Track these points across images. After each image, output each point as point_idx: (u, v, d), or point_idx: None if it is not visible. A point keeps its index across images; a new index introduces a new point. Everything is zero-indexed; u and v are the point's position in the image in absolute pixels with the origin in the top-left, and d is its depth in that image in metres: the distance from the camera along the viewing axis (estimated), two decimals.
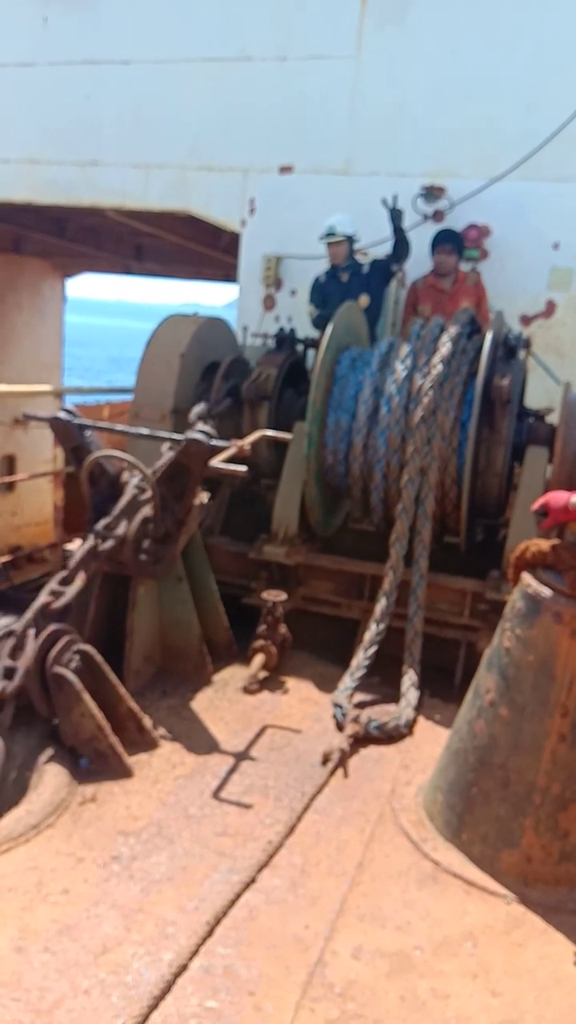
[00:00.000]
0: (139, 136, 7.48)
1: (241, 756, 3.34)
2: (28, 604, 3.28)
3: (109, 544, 3.52)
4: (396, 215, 5.93)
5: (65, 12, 7.59)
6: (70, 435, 3.89)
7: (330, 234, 6.06)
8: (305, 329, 6.17)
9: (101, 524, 3.60)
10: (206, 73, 7.16)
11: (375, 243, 6.43)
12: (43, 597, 3.25)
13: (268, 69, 6.97)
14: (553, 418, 4.65)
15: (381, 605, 4.18)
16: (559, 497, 2.69)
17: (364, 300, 6.06)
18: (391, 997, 2.17)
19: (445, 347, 4.38)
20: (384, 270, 6.16)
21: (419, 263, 6.50)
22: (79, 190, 7.79)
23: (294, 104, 6.92)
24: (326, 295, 6.10)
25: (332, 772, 3.22)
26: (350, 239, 6.11)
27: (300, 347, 5.48)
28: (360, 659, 4.02)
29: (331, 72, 6.78)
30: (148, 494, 3.71)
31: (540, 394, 5.61)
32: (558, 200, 6.29)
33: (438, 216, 6.57)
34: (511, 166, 6.26)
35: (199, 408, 4.56)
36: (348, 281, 6.13)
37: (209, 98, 7.18)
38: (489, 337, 4.38)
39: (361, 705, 3.81)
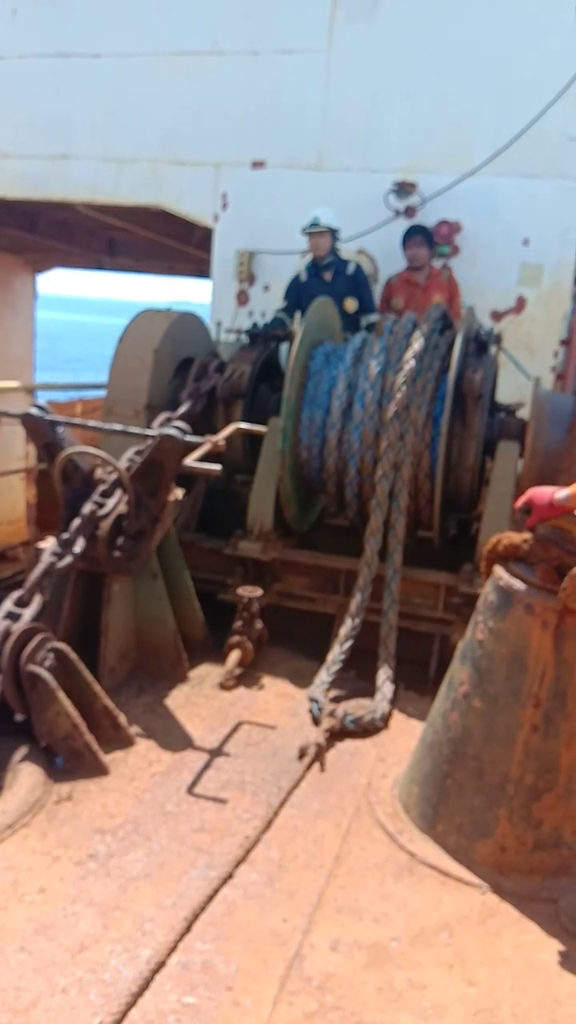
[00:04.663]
0: (110, 130, 7.43)
1: (217, 752, 3.34)
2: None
3: (66, 561, 3.46)
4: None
5: (35, 5, 7.53)
6: (42, 431, 3.86)
7: (314, 224, 6.00)
8: None
9: (58, 540, 3.53)
10: (177, 67, 7.13)
11: (349, 238, 6.45)
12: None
13: (240, 63, 6.95)
14: (524, 413, 4.70)
15: (356, 600, 4.20)
16: (542, 493, 2.71)
17: (351, 304, 6.00)
18: (369, 989, 2.18)
19: (417, 343, 4.40)
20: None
21: (393, 261, 6.53)
22: (50, 184, 7.72)
23: (266, 98, 6.92)
24: (309, 295, 5.93)
25: (308, 766, 3.23)
26: (333, 232, 6.06)
27: (273, 340, 5.45)
28: (336, 653, 4.04)
29: (303, 66, 6.78)
30: (109, 506, 3.68)
31: (511, 389, 5.67)
32: (528, 196, 6.35)
33: (409, 212, 6.60)
34: (482, 162, 6.30)
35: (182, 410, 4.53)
36: (332, 280, 6.06)
37: (181, 92, 7.16)
38: (461, 333, 4.41)
39: (337, 699, 3.82)
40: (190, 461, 3.66)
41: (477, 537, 4.43)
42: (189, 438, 3.63)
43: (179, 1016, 2.04)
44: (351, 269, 6.11)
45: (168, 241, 9.80)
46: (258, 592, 4.17)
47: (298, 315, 6.13)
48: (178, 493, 3.93)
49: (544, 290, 6.47)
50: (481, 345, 4.61)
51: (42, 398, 7.60)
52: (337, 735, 3.50)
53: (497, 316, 6.54)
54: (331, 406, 4.52)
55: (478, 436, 4.48)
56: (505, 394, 5.17)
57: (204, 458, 3.72)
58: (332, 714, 3.56)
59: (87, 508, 3.64)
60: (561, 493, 2.66)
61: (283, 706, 3.81)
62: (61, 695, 3.06)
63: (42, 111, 7.61)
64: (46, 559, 3.41)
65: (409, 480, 4.32)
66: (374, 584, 4.24)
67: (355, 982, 2.20)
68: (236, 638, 4.07)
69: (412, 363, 4.32)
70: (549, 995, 2.20)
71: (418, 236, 6.26)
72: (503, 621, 2.69)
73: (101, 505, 3.70)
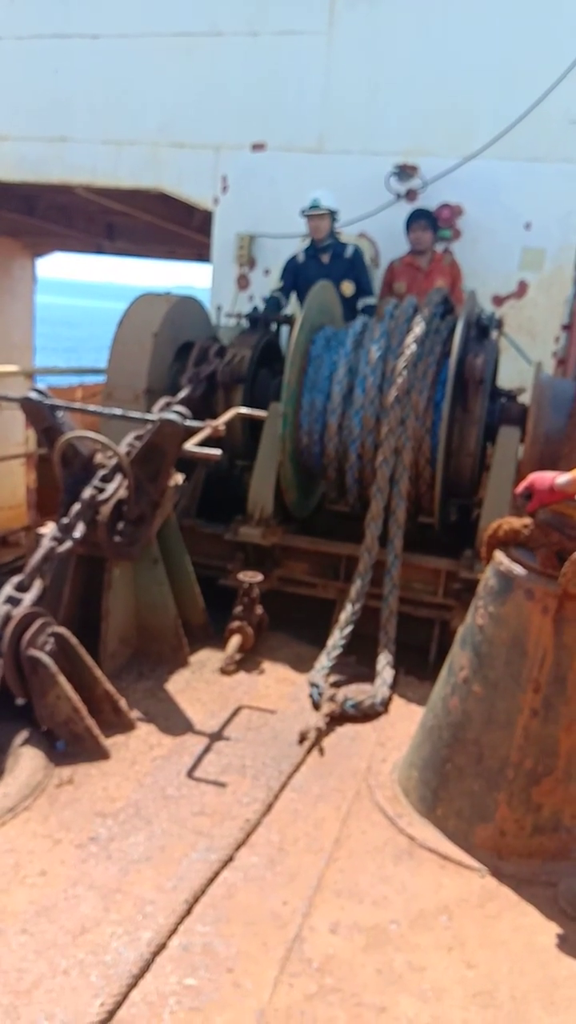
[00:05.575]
0: (109, 112, 7.36)
1: (218, 736, 3.35)
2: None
3: (66, 546, 3.45)
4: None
5: None
6: (41, 416, 3.84)
7: (314, 206, 5.97)
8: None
9: (58, 525, 3.52)
10: (177, 48, 7.06)
11: (349, 222, 6.41)
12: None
13: (240, 44, 6.88)
14: (525, 398, 4.68)
15: (356, 585, 4.20)
16: (543, 479, 2.71)
17: (348, 287, 5.97)
18: (368, 971, 2.19)
19: (418, 327, 4.38)
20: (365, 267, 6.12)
21: (394, 244, 6.49)
22: (48, 167, 7.66)
23: (266, 80, 6.85)
24: (306, 277, 5.91)
25: (309, 751, 3.25)
26: (332, 214, 6.03)
27: (273, 324, 5.43)
28: (336, 639, 4.04)
29: (303, 48, 6.71)
30: (109, 491, 3.68)
31: (512, 374, 5.65)
32: (530, 180, 6.29)
33: (411, 195, 6.55)
34: (484, 145, 6.25)
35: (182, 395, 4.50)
36: (329, 263, 6.03)
37: (180, 73, 7.08)
38: (462, 317, 4.38)
39: (337, 684, 3.83)
40: (190, 446, 3.65)
41: (478, 523, 4.43)
42: (189, 423, 3.62)
43: (180, 998, 2.06)
44: (349, 252, 6.08)
45: (168, 225, 9.73)
46: (258, 577, 4.17)
47: (294, 298, 6.10)
48: (178, 478, 3.93)
49: (546, 275, 6.43)
50: (482, 330, 4.59)
51: (42, 383, 7.56)
52: (337, 720, 3.51)
53: (498, 301, 6.51)
54: (332, 391, 4.51)
55: (479, 421, 4.46)
56: (506, 379, 5.15)
57: (204, 443, 3.71)
58: (332, 699, 3.57)
59: (87, 493, 3.63)
60: (562, 478, 2.66)
61: (283, 691, 3.82)
62: (62, 679, 3.06)
63: (40, 93, 7.53)
64: (46, 544, 3.41)
65: (410, 465, 4.32)
66: (375, 570, 4.24)
67: (355, 964, 2.21)
68: (236, 623, 4.07)
69: (413, 348, 4.31)
70: (548, 977, 2.22)
71: (422, 220, 6.22)
72: (503, 606, 2.69)
73: (101, 490, 3.69)
